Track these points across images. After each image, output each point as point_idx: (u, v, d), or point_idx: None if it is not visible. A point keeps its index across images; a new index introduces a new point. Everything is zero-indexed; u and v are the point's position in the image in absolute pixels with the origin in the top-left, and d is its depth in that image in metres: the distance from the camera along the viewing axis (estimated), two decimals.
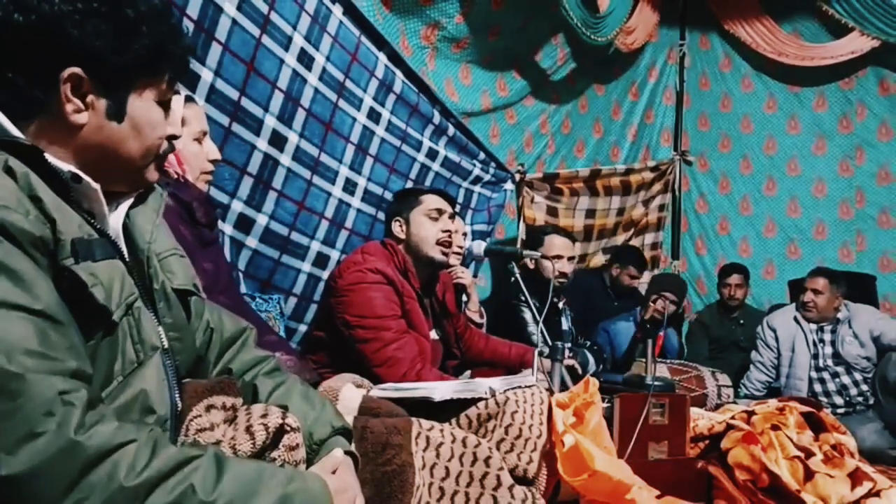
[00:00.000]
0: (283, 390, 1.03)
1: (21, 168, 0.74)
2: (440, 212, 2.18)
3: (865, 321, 3.34)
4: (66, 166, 0.80)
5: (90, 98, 0.82)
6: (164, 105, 0.90)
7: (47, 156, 0.77)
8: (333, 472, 0.91)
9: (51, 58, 0.79)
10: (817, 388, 3.34)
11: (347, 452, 0.99)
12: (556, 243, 3.10)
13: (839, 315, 3.39)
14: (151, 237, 0.93)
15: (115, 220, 0.89)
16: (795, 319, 3.46)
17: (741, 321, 4.13)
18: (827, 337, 3.40)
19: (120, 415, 0.76)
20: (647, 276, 4.22)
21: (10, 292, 0.67)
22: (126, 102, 0.84)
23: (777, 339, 3.49)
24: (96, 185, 0.83)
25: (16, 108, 0.79)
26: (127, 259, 0.87)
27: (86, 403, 0.67)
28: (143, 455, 0.68)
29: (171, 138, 0.92)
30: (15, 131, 0.78)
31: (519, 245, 3.63)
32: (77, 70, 0.79)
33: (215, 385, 0.94)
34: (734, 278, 4.14)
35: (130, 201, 0.92)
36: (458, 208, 3.19)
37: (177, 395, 0.89)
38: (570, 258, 3.16)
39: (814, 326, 3.42)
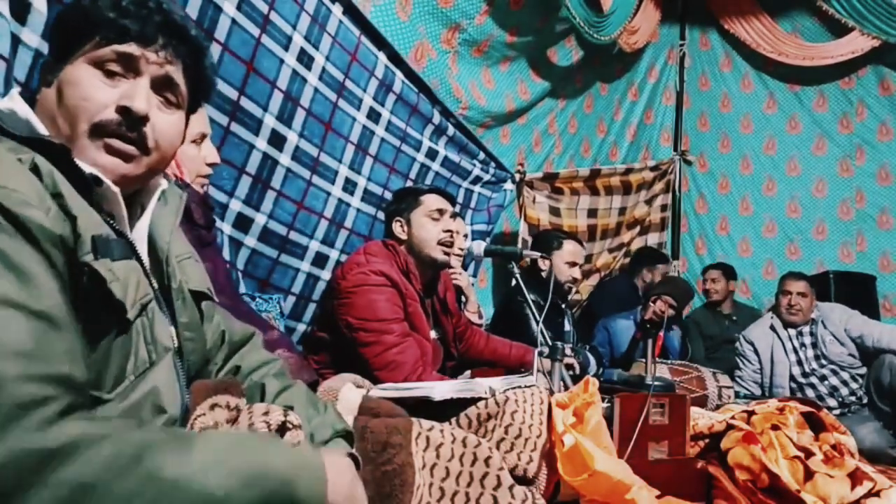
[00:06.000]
0: (290, 393, 1.04)
1: (47, 166, 0.75)
2: (441, 212, 2.18)
3: (837, 319, 3.36)
4: (88, 168, 0.80)
5: (51, 77, 0.86)
6: (105, 70, 0.85)
7: (74, 157, 0.78)
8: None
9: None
10: (809, 393, 3.32)
11: (349, 455, 0.98)
12: (569, 249, 3.21)
13: (813, 316, 3.42)
14: (170, 237, 0.95)
15: (142, 224, 0.91)
16: (772, 328, 3.48)
17: (734, 318, 4.14)
18: (807, 340, 3.40)
19: (131, 413, 0.77)
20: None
21: (14, 290, 0.66)
22: (61, 70, 0.85)
23: (756, 352, 3.51)
24: (116, 189, 0.83)
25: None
26: (145, 261, 0.88)
27: (64, 408, 0.64)
28: (111, 447, 0.64)
29: (123, 111, 0.84)
30: (43, 130, 0.80)
31: (520, 245, 3.63)
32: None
33: (220, 385, 0.94)
34: (711, 273, 4.24)
35: (154, 204, 0.93)
36: (458, 208, 3.19)
37: (187, 396, 0.90)
38: (580, 265, 3.26)
39: (792, 332, 3.43)
